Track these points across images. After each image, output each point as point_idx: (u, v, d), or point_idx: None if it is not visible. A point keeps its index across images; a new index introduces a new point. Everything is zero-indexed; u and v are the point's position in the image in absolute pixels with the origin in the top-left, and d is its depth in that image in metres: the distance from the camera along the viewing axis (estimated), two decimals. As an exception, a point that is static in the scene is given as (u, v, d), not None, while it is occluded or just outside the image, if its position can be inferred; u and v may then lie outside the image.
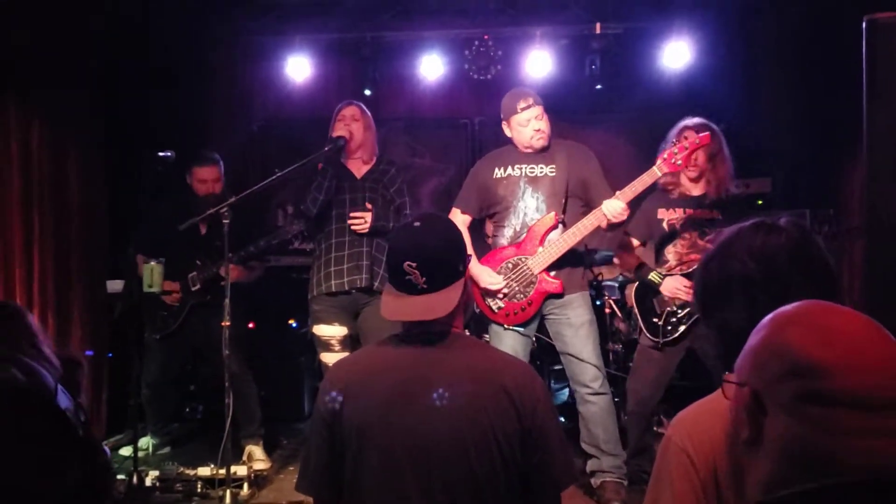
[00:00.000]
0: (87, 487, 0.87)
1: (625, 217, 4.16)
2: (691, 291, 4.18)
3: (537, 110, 4.36)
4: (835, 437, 1.08)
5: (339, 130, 4.67)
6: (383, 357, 2.17)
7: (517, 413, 2.02)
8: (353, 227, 4.59)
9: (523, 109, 4.36)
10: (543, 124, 4.38)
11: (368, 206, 4.62)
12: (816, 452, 1.09)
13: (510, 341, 4.38)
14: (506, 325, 4.40)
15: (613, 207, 4.10)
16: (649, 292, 4.46)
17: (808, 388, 1.10)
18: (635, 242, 4.57)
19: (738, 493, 1.22)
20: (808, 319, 1.18)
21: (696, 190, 4.41)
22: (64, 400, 0.86)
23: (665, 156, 4.13)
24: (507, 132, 4.48)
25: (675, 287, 4.32)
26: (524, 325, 4.40)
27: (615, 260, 4.73)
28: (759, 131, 6.40)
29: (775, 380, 1.15)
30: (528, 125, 4.36)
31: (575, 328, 4.35)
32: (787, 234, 1.61)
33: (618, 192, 4.16)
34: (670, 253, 4.43)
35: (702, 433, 1.53)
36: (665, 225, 4.43)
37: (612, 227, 4.25)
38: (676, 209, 4.42)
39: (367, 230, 4.58)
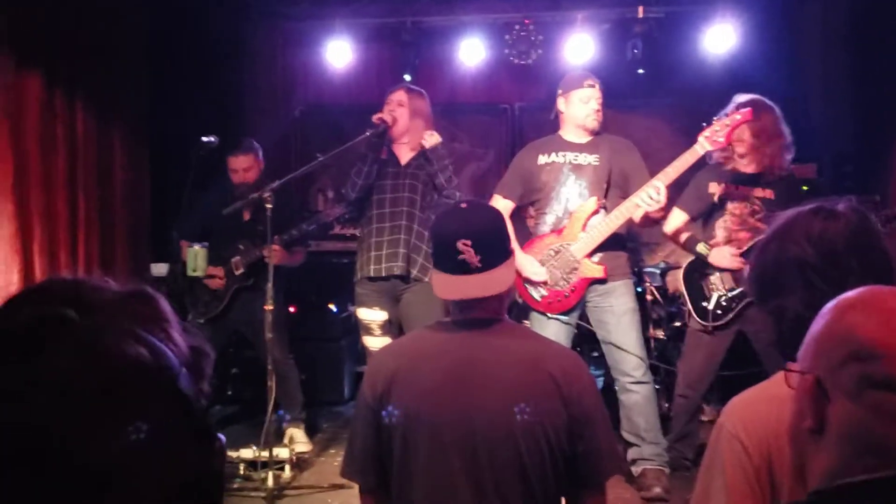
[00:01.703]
0: (206, 474, 0.88)
1: (659, 206, 4.10)
2: (740, 261, 4.14)
3: (598, 94, 4.39)
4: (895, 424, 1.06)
5: (382, 115, 4.65)
6: (431, 342, 2.17)
7: (563, 401, 2.02)
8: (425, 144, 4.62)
9: (588, 86, 4.37)
10: (600, 109, 4.39)
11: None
12: (877, 439, 1.07)
13: (553, 329, 4.35)
14: (549, 314, 4.39)
15: (647, 195, 4.08)
16: (697, 275, 4.41)
17: (871, 372, 1.08)
18: (685, 216, 4.49)
19: (800, 483, 1.20)
20: (871, 304, 1.16)
21: (749, 167, 4.30)
22: (187, 384, 0.86)
23: (707, 133, 4.07)
24: (562, 106, 4.46)
25: (723, 257, 4.26)
26: (566, 313, 4.38)
27: (665, 231, 4.61)
28: (805, 117, 6.30)
29: (838, 365, 1.13)
30: (588, 103, 4.37)
31: (618, 316, 4.32)
32: (846, 220, 1.58)
33: (659, 174, 4.13)
34: (720, 228, 4.36)
35: (755, 420, 1.51)
36: (716, 199, 4.36)
37: (654, 222, 4.22)
38: (728, 184, 4.34)
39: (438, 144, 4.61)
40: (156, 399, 0.83)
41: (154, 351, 0.84)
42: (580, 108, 4.38)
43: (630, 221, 4.33)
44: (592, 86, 4.38)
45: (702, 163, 4.24)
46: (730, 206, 4.32)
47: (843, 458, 1.11)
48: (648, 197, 4.07)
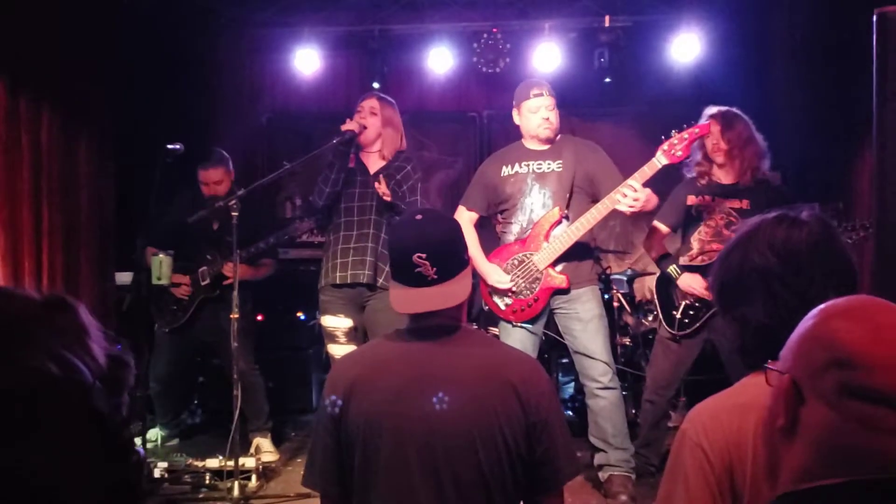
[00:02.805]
0: (121, 488, 0.87)
1: (642, 202, 4.04)
2: (707, 291, 4.18)
3: (548, 101, 4.37)
4: (873, 434, 1.06)
5: (349, 123, 4.64)
6: (391, 351, 2.17)
7: (522, 407, 2.03)
8: (381, 197, 4.53)
9: (535, 96, 4.36)
10: (552, 115, 4.38)
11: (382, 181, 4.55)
12: (852, 448, 1.08)
13: (519, 337, 4.38)
14: (514, 322, 4.40)
15: (620, 195, 4.05)
16: (667, 284, 4.45)
17: (851, 382, 1.08)
18: (664, 229, 4.53)
19: (771, 480, 1.20)
20: (859, 313, 1.16)
21: (726, 178, 4.37)
22: (99, 398, 0.85)
23: (665, 147, 4.10)
24: (517, 119, 4.49)
25: (690, 285, 4.31)
26: (532, 321, 4.39)
27: (642, 246, 4.66)
28: (769, 125, 6.34)
29: (818, 370, 1.13)
30: (537, 112, 4.37)
31: (584, 322, 4.34)
32: (809, 228, 1.59)
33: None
34: (694, 240, 4.42)
35: (718, 429, 1.52)
36: (693, 211, 4.41)
37: (644, 215, 4.23)
38: (705, 196, 4.39)
39: (388, 198, 4.52)
40: (65, 416, 0.81)
41: (64, 365, 0.83)
42: (530, 120, 4.40)
43: (597, 228, 4.35)
44: (539, 94, 4.37)
45: (680, 176, 4.27)
46: (706, 218, 4.37)
47: (814, 462, 1.12)
48: (623, 195, 4.05)
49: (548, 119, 4.37)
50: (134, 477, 0.90)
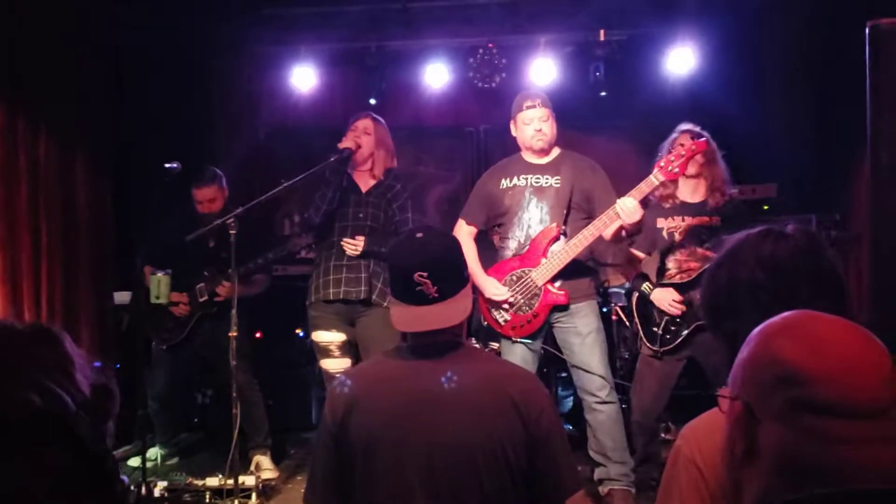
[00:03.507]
0: None
1: (638, 216, 4.07)
2: (678, 306, 4.22)
3: (542, 112, 4.39)
4: (826, 446, 1.08)
5: (346, 141, 4.68)
6: (391, 369, 2.18)
7: (523, 422, 2.03)
8: (345, 251, 4.61)
9: (528, 108, 4.38)
10: (547, 127, 4.40)
11: (359, 238, 4.63)
12: (810, 462, 1.09)
13: (519, 352, 4.38)
14: (514, 338, 4.40)
15: (626, 205, 4.04)
16: (648, 302, 4.46)
17: (798, 397, 1.11)
18: (640, 255, 4.57)
19: None
20: (795, 330, 1.18)
21: (693, 197, 4.41)
22: (83, 427, 0.85)
23: (662, 164, 4.12)
24: (513, 131, 4.51)
25: (662, 299, 4.33)
26: (531, 337, 4.40)
27: (620, 272, 4.70)
28: (765, 137, 6.39)
29: (766, 390, 1.15)
30: (530, 124, 4.39)
31: (582, 337, 4.34)
32: (795, 242, 1.60)
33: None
34: (670, 262, 4.43)
35: (711, 446, 1.50)
36: (665, 234, 4.43)
37: (628, 234, 4.23)
38: (675, 217, 4.41)
39: (357, 254, 4.60)
40: (47, 445, 0.82)
41: (47, 397, 0.83)
42: (524, 131, 4.42)
43: (594, 245, 4.36)
44: (532, 106, 4.39)
45: (646, 203, 4.28)
46: (678, 238, 4.39)
47: (776, 481, 1.13)
48: (621, 209, 4.05)
49: (541, 130, 4.38)
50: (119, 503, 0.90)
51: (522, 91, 4.61)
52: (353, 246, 4.60)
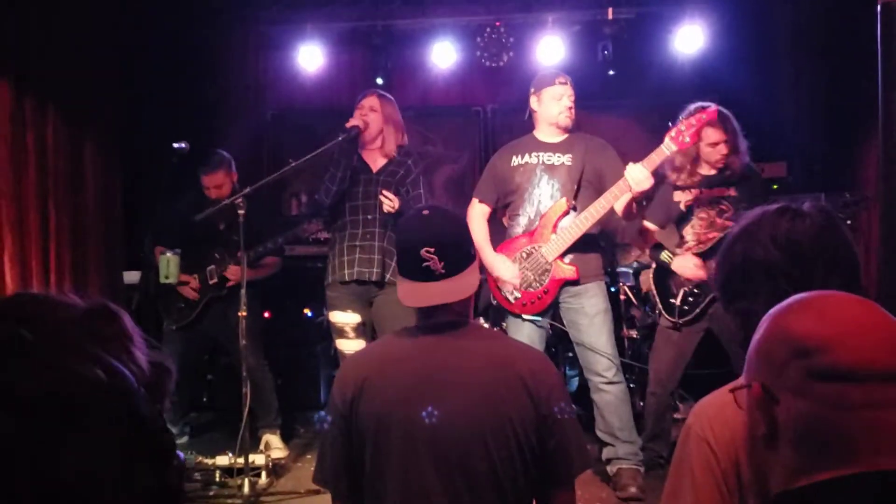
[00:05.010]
0: (163, 492, 0.88)
1: (648, 185, 4.02)
2: (701, 269, 4.21)
3: (571, 91, 4.41)
4: (845, 413, 1.08)
5: (353, 120, 4.65)
6: (400, 347, 2.18)
7: (532, 400, 2.04)
8: (383, 207, 4.55)
9: (560, 84, 4.39)
10: (572, 106, 4.41)
11: (395, 197, 4.56)
12: (828, 430, 1.09)
13: (527, 331, 4.39)
14: (523, 316, 4.40)
15: (635, 173, 4.01)
16: (665, 273, 4.46)
17: (813, 365, 1.11)
18: (652, 227, 4.56)
19: (761, 493, 1.22)
20: (802, 305, 1.19)
21: (707, 170, 4.39)
22: (144, 404, 0.85)
23: (672, 133, 4.10)
24: (535, 105, 4.49)
25: (684, 265, 4.32)
26: (541, 314, 4.40)
27: (633, 245, 4.69)
28: (774, 115, 6.36)
29: (781, 367, 1.15)
30: (560, 99, 4.40)
31: (590, 317, 4.35)
32: (811, 220, 1.59)
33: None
34: (688, 233, 4.42)
35: (723, 424, 1.51)
36: (682, 206, 4.42)
37: (638, 204, 4.20)
38: (692, 190, 4.40)
39: (394, 211, 4.53)
40: (111, 421, 0.82)
41: (111, 372, 0.83)
42: (553, 106, 4.41)
43: (604, 220, 4.36)
44: (564, 83, 4.40)
45: (662, 178, 4.27)
46: (697, 211, 4.38)
47: (801, 459, 1.13)
48: (630, 176, 4.01)
49: (570, 108, 4.39)
50: (175, 481, 0.90)
51: (549, 68, 4.57)
52: (391, 201, 4.54)
